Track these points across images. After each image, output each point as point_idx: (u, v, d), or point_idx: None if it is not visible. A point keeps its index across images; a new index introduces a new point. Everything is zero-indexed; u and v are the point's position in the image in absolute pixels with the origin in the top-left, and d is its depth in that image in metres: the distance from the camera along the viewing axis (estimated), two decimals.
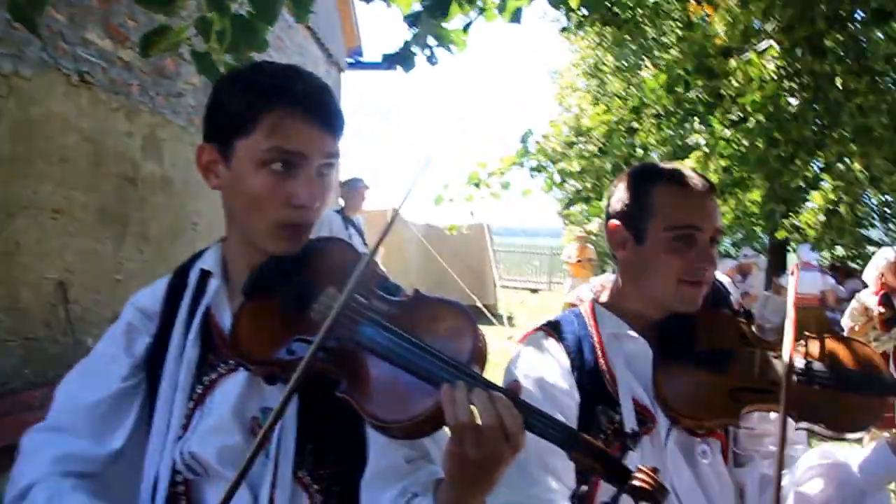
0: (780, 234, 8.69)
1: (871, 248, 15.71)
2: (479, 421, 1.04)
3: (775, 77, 4.63)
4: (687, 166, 5.40)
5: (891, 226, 16.88)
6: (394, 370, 1.13)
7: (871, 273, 6.18)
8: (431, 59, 3.13)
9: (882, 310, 5.92)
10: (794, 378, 1.52)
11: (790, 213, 8.45)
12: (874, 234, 16.61)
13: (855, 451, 1.53)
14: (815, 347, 1.60)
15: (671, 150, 8.34)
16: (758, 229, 13.87)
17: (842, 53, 4.48)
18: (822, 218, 7.56)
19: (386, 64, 3.20)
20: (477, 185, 4.93)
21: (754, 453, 1.62)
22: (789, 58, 4.55)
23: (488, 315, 12.95)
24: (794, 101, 4.63)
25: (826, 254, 15.46)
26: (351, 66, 9.85)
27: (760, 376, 1.54)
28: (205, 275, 1.37)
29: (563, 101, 17.40)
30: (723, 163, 5.50)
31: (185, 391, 1.30)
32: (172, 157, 5.74)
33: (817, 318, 8.77)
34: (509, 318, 14.35)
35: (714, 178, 5.77)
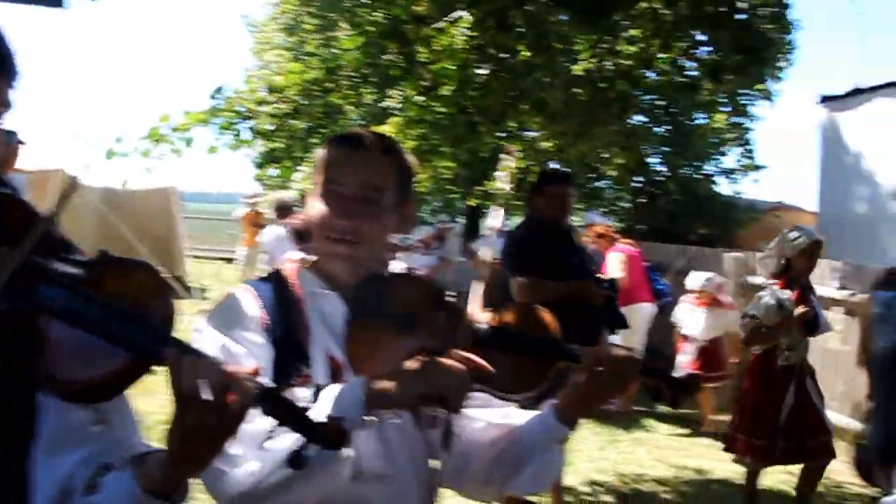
0: (473, 201, 9.38)
1: None
2: (182, 385, 1.09)
3: (465, 47, 5.00)
4: (385, 132, 5.56)
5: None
6: (75, 332, 1.13)
7: (770, 260, 5.43)
8: None
9: (802, 308, 5.16)
10: (473, 341, 1.68)
11: (484, 181, 9.16)
12: None
13: (529, 412, 1.76)
14: (498, 313, 1.81)
15: (370, 115, 8.60)
16: (455, 196, 14.84)
17: (524, 30, 4.96)
18: (512, 185, 8.31)
19: None
20: (158, 140, 4.72)
21: (443, 415, 1.73)
22: (478, 30, 4.93)
23: (178, 287, 12.49)
24: (481, 72, 5.04)
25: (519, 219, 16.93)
26: None
27: (442, 339, 1.67)
28: None
29: (261, 56, 17.06)
30: (420, 130, 5.77)
31: None
32: None
33: (504, 279, 9.82)
34: (202, 290, 13.97)
35: (411, 145, 6.06)
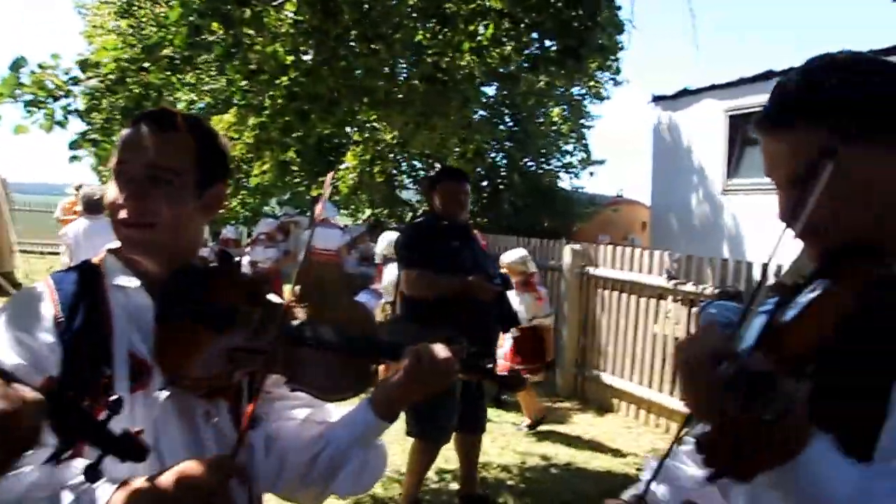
0: (316, 192, 9.22)
1: (405, 209, 17.56)
2: None
3: (291, 32, 4.83)
4: (226, 120, 5.25)
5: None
6: None
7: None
8: None
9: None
10: (286, 338, 1.58)
11: (328, 170, 8.99)
12: (406, 195, 18.38)
13: (346, 409, 1.68)
14: (313, 309, 1.69)
15: (212, 104, 8.24)
16: (301, 189, 14.58)
17: (352, 18, 4.84)
18: (353, 176, 8.21)
19: None
20: None
21: (265, 415, 1.67)
22: (304, 15, 4.77)
23: (6, 285, 11.64)
24: (307, 58, 4.88)
25: (368, 211, 16.84)
26: None
27: (257, 337, 1.57)
28: None
29: (93, 40, 16.01)
30: (259, 119, 5.56)
31: None
32: None
33: (336, 271, 9.78)
34: None
35: (250, 135, 5.81)
